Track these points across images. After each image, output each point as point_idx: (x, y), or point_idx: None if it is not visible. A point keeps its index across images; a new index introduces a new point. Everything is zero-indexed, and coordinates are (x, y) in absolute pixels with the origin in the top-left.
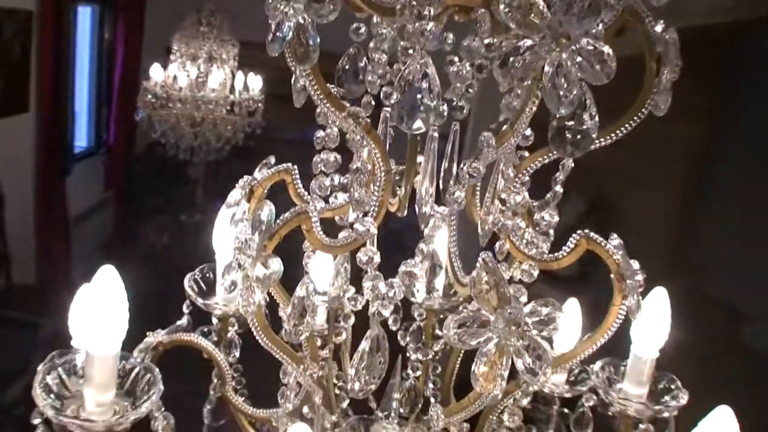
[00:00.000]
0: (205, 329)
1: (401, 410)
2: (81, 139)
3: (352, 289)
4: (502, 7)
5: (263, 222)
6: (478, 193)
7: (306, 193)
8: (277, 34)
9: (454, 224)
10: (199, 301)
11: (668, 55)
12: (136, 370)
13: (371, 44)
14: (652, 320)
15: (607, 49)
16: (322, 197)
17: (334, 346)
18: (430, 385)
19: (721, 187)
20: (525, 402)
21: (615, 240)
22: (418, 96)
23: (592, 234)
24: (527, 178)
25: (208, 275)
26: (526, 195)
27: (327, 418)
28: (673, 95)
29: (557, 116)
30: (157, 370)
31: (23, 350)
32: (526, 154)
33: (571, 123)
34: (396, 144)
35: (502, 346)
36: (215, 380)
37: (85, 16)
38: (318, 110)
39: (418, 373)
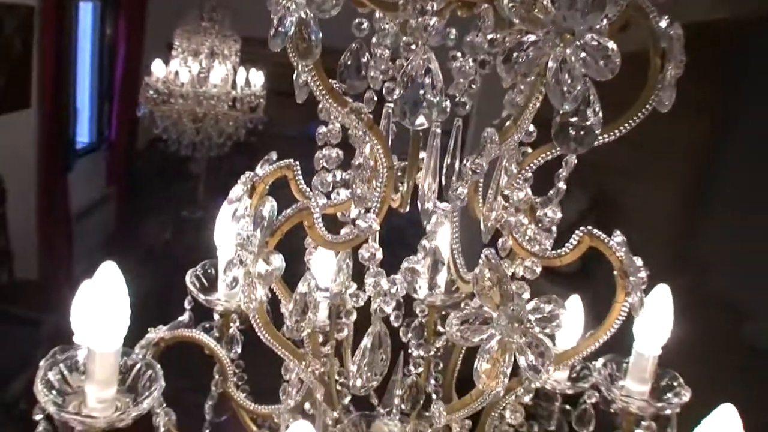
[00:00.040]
0: (207, 325)
1: (403, 407)
2: (83, 135)
3: (354, 286)
4: (505, 2)
5: (265, 218)
6: (480, 189)
7: (308, 189)
8: (279, 29)
9: (456, 221)
10: (201, 297)
11: (673, 51)
12: (138, 366)
13: (374, 39)
14: (654, 317)
15: (611, 44)
16: (324, 193)
17: (336, 343)
18: (432, 382)
19: (723, 185)
20: (527, 399)
21: (618, 237)
22: (421, 92)
23: (595, 231)
24: (530, 175)
25: (209, 271)
26: (528, 191)
27: (328, 415)
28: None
29: (561, 112)
30: (159, 366)
31: (25, 346)
32: (529, 150)
33: (574, 119)
34: (398, 140)
35: (504, 344)
36: (217, 376)
37: (86, 12)
38: (320, 106)
39: (420, 369)
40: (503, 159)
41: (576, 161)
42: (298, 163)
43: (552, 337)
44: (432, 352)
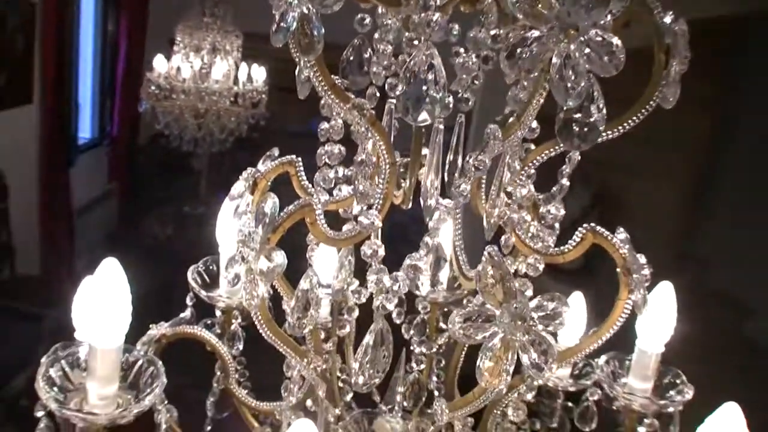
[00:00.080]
0: (209, 322)
1: (405, 404)
2: (85, 131)
3: (356, 282)
4: None
5: (267, 214)
6: (483, 186)
7: (310, 186)
8: (281, 24)
9: (459, 217)
10: (203, 294)
11: (677, 47)
12: (139, 362)
13: (376, 35)
14: (658, 314)
15: (615, 40)
16: (326, 189)
17: (338, 339)
18: (434, 379)
19: (725, 181)
20: (529, 396)
21: (621, 234)
22: (424, 87)
23: (598, 228)
24: (533, 171)
25: (211, 267)
26: (531, 188)
27: (330, 412)
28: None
29: (564, 108)
30: (160, 362)
31: (27, 341)
32: (532, 146)
33: (578, 115)
34: (401, 136)
35: (507, 341)
36: (218, 373)
37: (88, 7)
38: (322, 102)
39: (422, 366)
40: (506, 155)
41: (579, 158)
42: (300, 159)
43: (554, 335)
44: (434, 349)
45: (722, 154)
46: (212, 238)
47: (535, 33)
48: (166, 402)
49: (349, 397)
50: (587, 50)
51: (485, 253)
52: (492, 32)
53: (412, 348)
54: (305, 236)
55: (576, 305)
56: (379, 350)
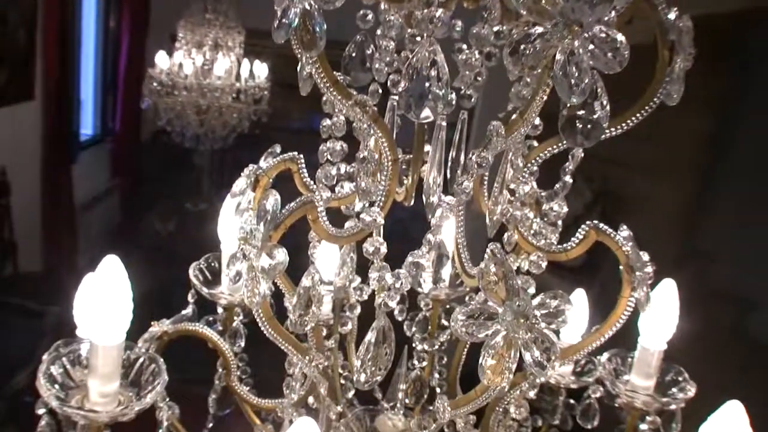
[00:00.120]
0: (210, 319)
1: (407, 401)
2: (87, 127)
3: (358, 279)
4: None
5: (268, 212)
6: (486, 183)
7: (312, 183)
8: (283, 20)
9: (461, 214)
10: (204, 291)
11: (681, 43)
12: (141, 360)
13: (379, 31)
14: (660, 312)
15: (620, 36)
16: (328, 187)
17: (340, 337)
18: (436, 376)
19: (728, 178)
20: (531, 394)
21: (624, 231)
22: (426, 84)
23: (601, 225)
24: (536, 168)
25: (213, 264)
26: (534, 185)
27: (332, 409)
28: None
29: (568, 105)
30: (162, 360)
31: (29, 338)
32: (535, 143)
33: (581, 112)
34: (403, 133)
35: (510, 339)
36: (220, 370)
37: (89, 4)
38: (324, 98)
39: (424, 363)
40: (509, 152)
41: (582, 155)
42: (302, 156)
43: (557, 332)
44: (436, 347)
45: (725, 149)
46: (214, 235)
47: (539, 29)
48: (167, 399)
49: (350, 394)
50: (591, 47)
51: (488, 250)
52: (495, 28)
53: (414, 345)
54: (307, 233)
55: (578, 302)
56: (381, 347)
